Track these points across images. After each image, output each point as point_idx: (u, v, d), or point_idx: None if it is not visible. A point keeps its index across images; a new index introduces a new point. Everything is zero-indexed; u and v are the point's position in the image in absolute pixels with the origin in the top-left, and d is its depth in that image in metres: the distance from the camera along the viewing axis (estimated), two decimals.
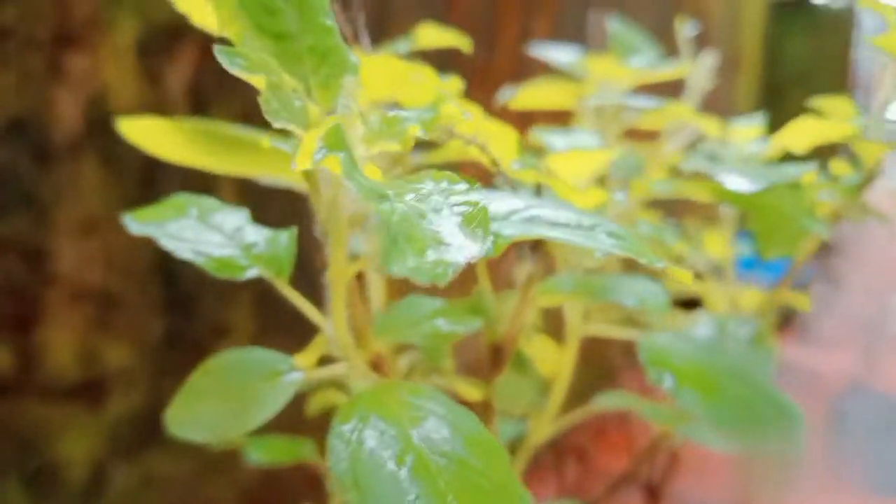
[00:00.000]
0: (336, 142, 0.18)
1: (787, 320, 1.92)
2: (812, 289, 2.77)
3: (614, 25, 0.59)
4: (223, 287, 0.69)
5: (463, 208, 0.19)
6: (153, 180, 0.52)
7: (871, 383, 2.07)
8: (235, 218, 0.30)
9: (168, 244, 0.27)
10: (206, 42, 0.62)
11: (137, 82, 0.51)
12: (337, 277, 0.27)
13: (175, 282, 0.58)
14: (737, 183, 0.34)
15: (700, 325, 0.41)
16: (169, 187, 0.47)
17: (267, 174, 0.37)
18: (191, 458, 0.61)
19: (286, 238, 0.29)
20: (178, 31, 0.54)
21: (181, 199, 0.30)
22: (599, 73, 0.52)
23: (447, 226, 0.18)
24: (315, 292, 0.29)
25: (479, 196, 0.19)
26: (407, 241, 0.16)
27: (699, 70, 0.55)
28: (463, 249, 0.17)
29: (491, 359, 0.39)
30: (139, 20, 0.51)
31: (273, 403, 0.29)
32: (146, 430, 0.56)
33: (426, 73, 0.28)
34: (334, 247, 0.26)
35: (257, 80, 0.21)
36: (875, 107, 0.38)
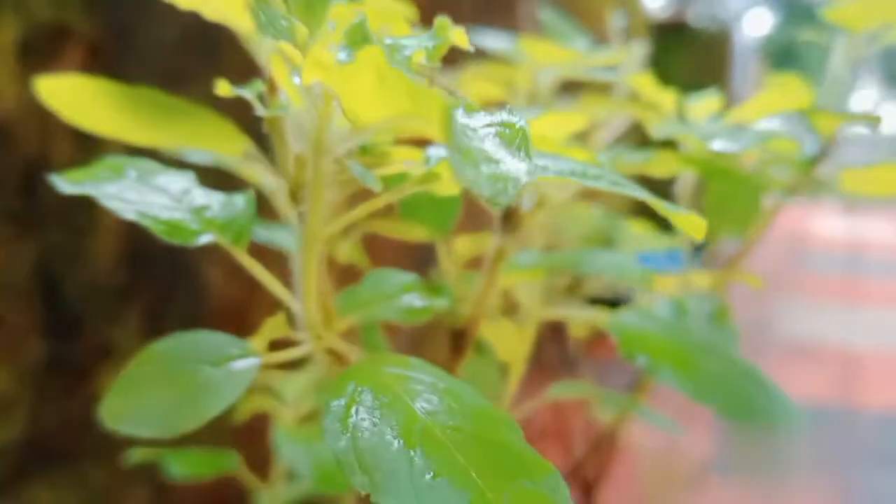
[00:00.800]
0: (363, 36, 0.15)
1: None
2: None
3: (547, 14, 0.58)
4: (108, 306, 0.66)
5: (499, 129, 0.16)
6: (34, 189, 0.49)
7: None
8: (181, 180, 0.26)
9: (110, 205, 0.23)
10: (91, 42, 0.59)
11: (18, 84, 0.48)
12: (310, 242, 0.23)
13: (57, 300, 0.55)
14: (720, 145, 0.33)
15: (660, 306, 0.39)
16: (51, 198, 0.44)
17: (206, 147, 0.33)
18: (76, 490, 0.57)
19: (242, 201, 0.25)
20: (61, 31, 0.51)
21: (117, 160, 0.26)
22: (539, 57, 0.50)
23: (490, 145, 0.15)
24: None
25: (517, 118, 0.16)
26: (462, 153, 0.13)
27: (632, 58, 0.55)
28: (513, 166, 0.14)
29: (452, 344, 0.36)
30: (20, 20, 0.48)
31: (228, 392, 0.25)
32: (25, 462, 0.52)
33: (398, 16, 0.26)
34: (312, 203, 0.22)
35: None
36: (828, 80, 0.38)
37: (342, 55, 0.16)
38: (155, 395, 0.25)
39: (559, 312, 0.39)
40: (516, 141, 0.16)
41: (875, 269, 4.14)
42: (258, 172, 0.36)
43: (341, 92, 0.17)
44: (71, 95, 0.31)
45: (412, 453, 0.19)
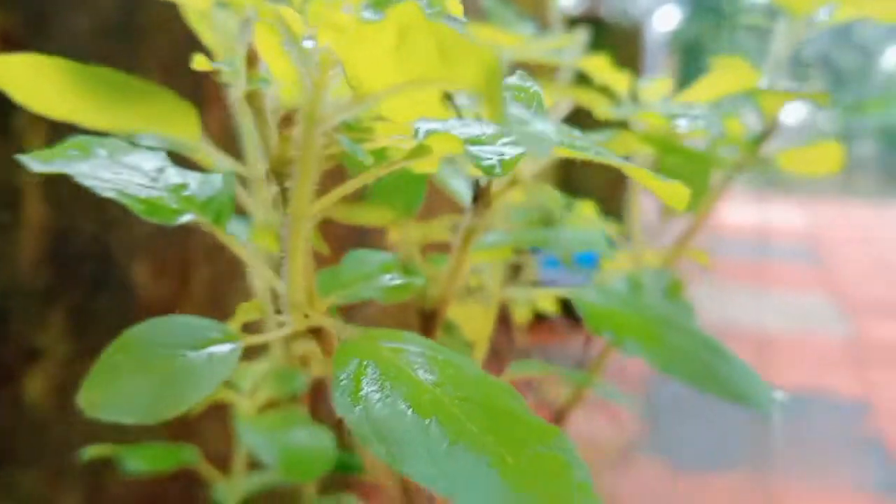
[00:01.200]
0: None
1: None
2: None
3: (490, 1, 0.59)
4: (31, 307, 0.64)
5: (514, 93, 0.16)
6: None
7: None
8: (153, 159, 0.25)
9: (86, 182, 0.22)
10: (3, 31, 0.56)
11: None
12: (298, 219, 0.23)
13: None
14: (684, 123, 0.34)
15: (616, 281, 0.40)
16: None
17: (163, 130, 0.32)
18: (4, 496, 0.55)
19: (220, 180, 0.25)
20: None
21: (83, 139, 0.25)
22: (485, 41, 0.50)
23: (514, 107, 0.15)
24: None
25: (531, 83, 0.16)
26: (502, 114, 0.13)
27: (575, 44, 0.56)
28: (542, 127, 0.15)
29: (422, 325, 0.36)
30: None
31: (211, 376, 0.24)
32: None
33: None
34: (301, 180, 0.22)
35: None
36: (772, 61, 0.40)
37: (367, 14, 0.15)
38: (134, 381, 0.24)
39: (523, 293, 0.40)
40: (534, 104, 0.16)
41: (782, 254, 4.35)
42: (215, 157, 0.35)
43: (349, 58, 0.17)
44: (22, 74, 0.29)
45: (426, 422, 0.19)
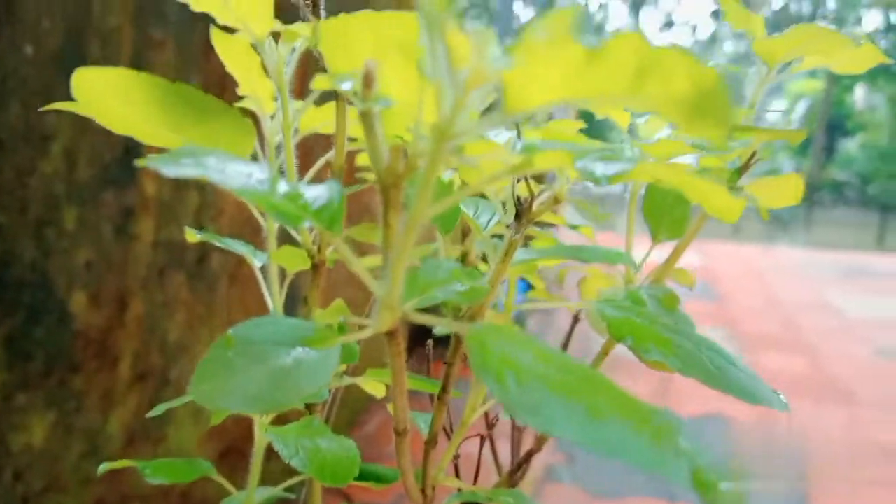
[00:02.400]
0: (566, 25, 0.18)
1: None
2: (527, 319, 3.07)
3: None
4: None
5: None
6: None
7: None
8: (258, 169, 0.27)
9: (219, 179, 0.24)
10: None
11: None
12: (412, 225, 0.25)
13: None
14: (686, 159, 0.38)
15: (616, 294, 0.44)
16: None
17: (226, 147, 0.34)
18: None
19: (331, 190, 0.27)
20: None
21: (191, 148, 0.26)
22: None
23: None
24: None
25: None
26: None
27: None
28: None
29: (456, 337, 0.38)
30: None
31: (322, 369, 0.26)
32: None
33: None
34: (421, 190, 0.24)
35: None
36: (751, 98, 0.45)
37: (583, 41, 0.18)
38: (246, 374, 0.25)
39: (539, 304, 0.43)
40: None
41: (680, 290, 4.56)
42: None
43: (521, 74, 0.19)
44: (104, 93, 0.31)
45: (563, 398, 0.21)
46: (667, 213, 0.48)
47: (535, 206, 0.35)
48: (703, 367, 0.36)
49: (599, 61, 0.18)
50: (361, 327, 0.28)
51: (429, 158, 0.24)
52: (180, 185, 1.07)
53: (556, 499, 1.73)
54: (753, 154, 0.46)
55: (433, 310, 0.31)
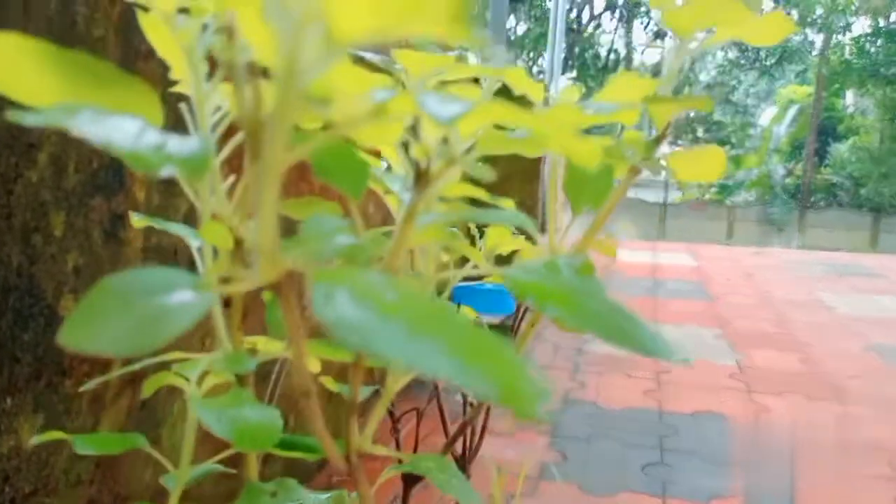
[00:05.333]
0: None
1: None
2: (522, 321, 3.07)
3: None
4: None
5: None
6: None
7: (580, 397, 2.34)
8: (134, 122, 0.28)
9: (81, 130, 0.24)
10: None
11: None
12: (271, 168, 0.26)
13: None
14: (591, 111, 0.39)
15: (535, 263, 0.45)
16: None
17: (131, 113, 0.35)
18: None
19: (198, 140, 0.28)
20: None
21: (69, 103, 0.27)
22: (413, 64, 0.55)
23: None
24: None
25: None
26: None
27: (497, 65, 0.61)
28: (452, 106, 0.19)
29: None
30: None
31: (184, 317, 0.27)
32: None
33: None
34: (276, 133, 0.25)
35: None
36: (664, 74, 0.46)
37: None
38: (116, 319, 0.26)
39: (452, 273, 0.43)
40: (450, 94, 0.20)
41: (672, 292, 4.57)
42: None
43: (329, 12, 0.20)
44: (20, 63, 0.31)
45: (391, 320, 0.22)
46: (588, 184, 0.49)
47: (433, 169, 0.36)
48: (604, 324, 0.37)
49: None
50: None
51: (278, 100, 0.25)
52: (170, 191, 1.08)
53: (550, 497, 1.73)
54: (668, 125, 0.47)
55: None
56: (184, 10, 0.40)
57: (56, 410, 0.91)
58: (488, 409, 0.56)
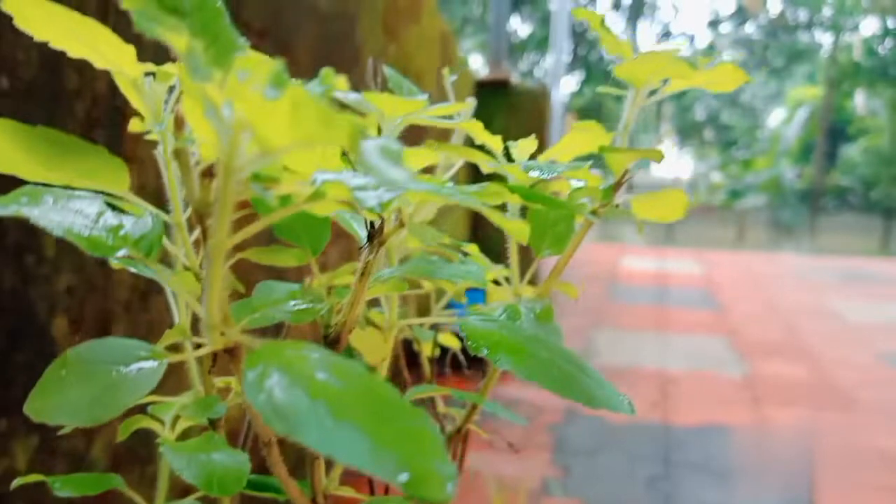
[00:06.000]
0: (283, 79, 0.21)
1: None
2: None
3: (390, 71, 0.66)
4: None
5: (380, 147, 0.22)
6: None
7: (584, 411, 2.35)
8: (94, 205, 0.30)
9: (40, 222, 0.27)
10: None
11: None
12: (217, 251, 0.28)
13: None
14: (536, 174, 0.41)
15: (497, 310, 0.47)
16: None
17: (97, 183, 0.37)
18: None
19: (151, 221, 0.30)
20: None
21: (32, 188, 0.29)
22: (386, 107, 0.57)
23: (373, 156, 0.21)
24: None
25: (391, 142, 0.23)
26: (368, 164, 0.19)
27: (466, 110, 0.63)
28: (397, 174, 0.21)
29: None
30: None
31: (140, 386, 0.29)
32: None
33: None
34: (220, 217, 0.27)
35: (176, 40, 0.22)
36: (621, 126, 0.48)
37: (270, 92, 0.21)
38: (76, 391, 0.28)
39: (414, 320, 0.45)
40: (396, 157, 0.22)
41: (681, 300, 4.57)
42: (143, 206, 0.40)
43: (258, 122, 0.23)
44: None
45: (317, 404, 0.24)
46: (549, 230, 0.50)
47: (386, 230, 0.38)
48: (548, 374, 0.39)
49: (298, 117, 0.21)
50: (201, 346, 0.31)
51: (220, 191, 0.27)
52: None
53: None
54: (625, 172, 0.48)
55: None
56: (150, 74, 0.42)
57: (50, 432, 0.93)
58: (466, 434, 0.58)
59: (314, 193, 0.28)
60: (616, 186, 0.49)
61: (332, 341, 0.40)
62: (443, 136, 0.63)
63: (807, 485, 1.86)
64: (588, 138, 0.48)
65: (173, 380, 1.13)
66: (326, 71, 0.26)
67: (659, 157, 0.46)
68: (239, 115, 0.24)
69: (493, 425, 2.05)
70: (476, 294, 0.73)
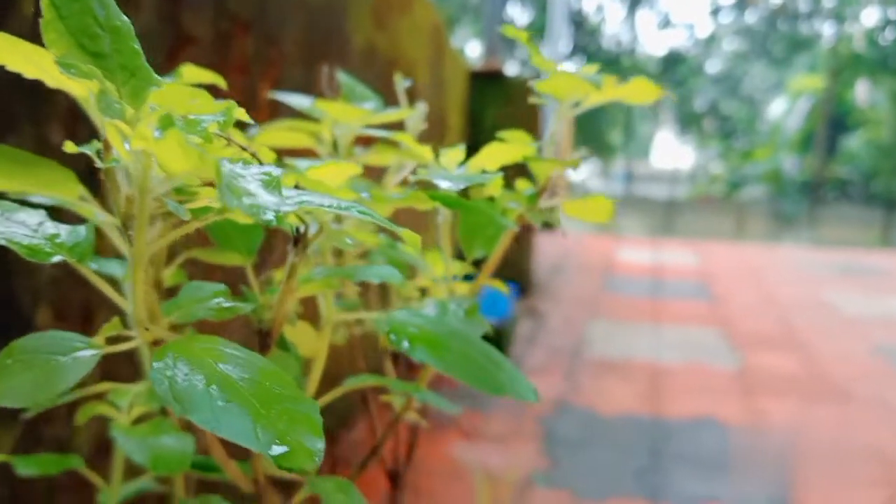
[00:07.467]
0: (169, 121, 0.25)
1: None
2: (518, 324, 3.11)
3: (344, 78, 0.70)
4: None
5: (262, 177, 0.26)
6: None
7: (574, 402, 2.38)
8: (36, 216, 0.34)
9: None
10: None
11: None
12: (138, 258, 0.32)
13: None
14: (446, 184, 0.45)
15: (427, 306, 0.51)
16: None
17: (49, 192, 0.41)
18: None
19: (84, 230, 0.34)
20: None
21: None
22: (336, 114, 0.61)
23: (253, 186, 0.25)
24: None
25: (273, 169, 0.27)
26: (230, 190, 0.24)
27: (415, 115, 0.67)
28: (266, 199, 0.25)
29: (259, 343, 0.45)
30: None
31: (75, 373, 0.33)
32: None
33: (207, 95, 0.35)
34: (138, 230, 0.32)
35: (86, 86, 0.27)
36: (546, 135, 0.52)
37: (157, 133, 0.25)
38: (19, 377, 0.32)
39: (346, 316, 0.50)
40: (272, 184, 0.26)
41: (676, 291, 4.59)
42: (92, 211, 0.44)
43: (157, 153, 0.27)
44: None
45: (211, 390, 0.28)
46: (480, 232, 0.54)
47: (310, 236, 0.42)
48: (465, 367, 0.43)
49: (182, 151, 0.25)
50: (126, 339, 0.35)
51: (138, 206, 0.31)
52: None
53: (541, 503, 1.77)
54: (548, 180, 0.52)
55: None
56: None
57: (34, 419, 0.97)
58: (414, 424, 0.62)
59: (224, 207, 0.32)
60: (540, 193, 0.53)
61: (264, 334, 0.44)
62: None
63: (794, 478, 1.89)
64: (512, 148, 0.52)
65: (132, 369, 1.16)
66: (230, 103, 0.30)
67: (576, 166, 0.50)
68: (145, 146, 0.28)
69: (482, 416, 2.09)
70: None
